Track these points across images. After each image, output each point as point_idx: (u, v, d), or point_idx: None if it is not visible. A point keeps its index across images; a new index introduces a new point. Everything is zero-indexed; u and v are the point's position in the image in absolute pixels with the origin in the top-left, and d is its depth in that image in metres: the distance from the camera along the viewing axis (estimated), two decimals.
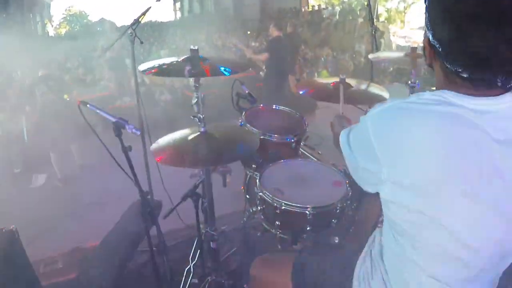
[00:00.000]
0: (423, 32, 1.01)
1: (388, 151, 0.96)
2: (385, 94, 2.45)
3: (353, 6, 18.70)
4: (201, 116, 1.98)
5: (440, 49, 0.92)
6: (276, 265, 1.62)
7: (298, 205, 1.94)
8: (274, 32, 6.07)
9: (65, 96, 4.99)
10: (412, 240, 1.02)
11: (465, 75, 0.90)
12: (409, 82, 2.51)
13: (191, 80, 1.99)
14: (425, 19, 0.95)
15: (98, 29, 17.44)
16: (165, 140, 2.01)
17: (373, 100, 2.47)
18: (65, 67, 9.39)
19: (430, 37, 0.94)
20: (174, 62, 2.02)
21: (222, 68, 2.04)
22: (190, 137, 1.99)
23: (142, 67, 2.03)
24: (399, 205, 0.99)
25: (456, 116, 0.91)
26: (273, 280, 1.57)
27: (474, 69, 0.89)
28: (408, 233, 1.02)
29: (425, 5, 0.95)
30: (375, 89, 2.56)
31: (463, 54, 0.88)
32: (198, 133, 2.01)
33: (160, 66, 2.05)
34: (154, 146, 1.95)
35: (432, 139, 0.90)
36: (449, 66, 0.92)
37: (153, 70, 2.05)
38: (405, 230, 1.02)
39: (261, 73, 6.88)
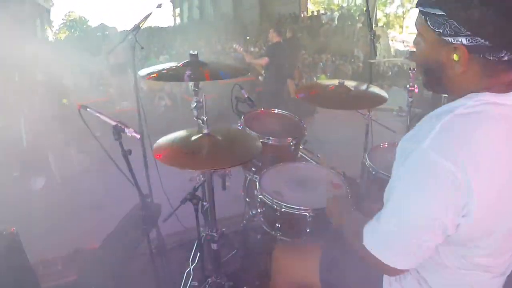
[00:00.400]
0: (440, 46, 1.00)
1: (476, 165, 0.91)
2: (384, 94, 2.47)
3: (352, 11, 18.79)
4: (205, 118, 1.98)
5: (486, 42, 0.92)
6: (301, 252, 1.66)
7: (298, 207, 1.95)
8: (274, 37, 6.08)
9: (64, 101, 4.98)
10: (472, 248, 1.05)
11: (506, 58, 0.93)
12: (408, 86, 2.53)
13: (191, 85, 2.01)
14: (449, 27, 0.95)
15: (98, 34, 17.47)
16: (166, 139, 2.01)
17: (373, 103, 2.50)
18: (65, 72, 9.40)
19: (465, 41, 0.94)
20: (174, 67, 2.04)
21: (221, 73, 2.06)
22: (192, 139, 1.99)
23: (142, 72, 2.04)
24: (479, 223, 0.97)
25: (506, 116, 0.96)
26: (295, 264, 1.63)
27: None
28: (470, 242, 1.03)
29: (443, 14, 0.95)
30: (374, 90, 2.58)
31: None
32: (200, 135, 2.01)
33: (160, 71, 2.07)
34: (155, 145, 1.96)
35: (502, 141, 0.95)
36: (492, 57, 0.94)
37: (154, 75, 2.06)
38: (468, 240, 1.03)
39: (260, 78, 6.89)
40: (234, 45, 7.39)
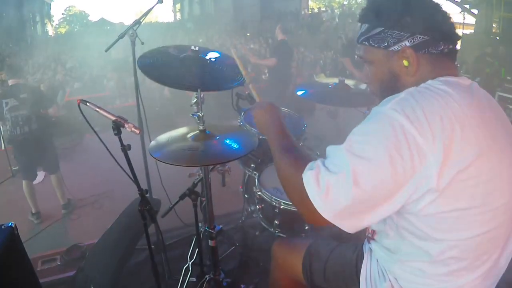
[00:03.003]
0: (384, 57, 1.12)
1: (440, 129, 0.92)
2: None
3: (352, 9, 18.76)
4: (200, 114, 1.98)
5: (426, 37, 1.05)
6: (292, 248, 1.69)
7: None
8: (279, 35, 5.87)
9: (42, 111, 3.82)
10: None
11: (446, 50, 1.07)
12: None
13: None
14: (391, 37, 1.08)
15: (99, 29, 17.46)
16: (163, 137, 2.01)
17: (373, 100, 2.49)
18: (65, 67, 9.41)
19: (408, 43, 1.06)
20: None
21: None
22: (188, 135, 1.99)
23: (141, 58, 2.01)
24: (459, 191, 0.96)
25: (460, 86, 1.05)
26: (287, 259, 1.66)
27: (452, 39, 1.08)
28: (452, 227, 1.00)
29: (382, 29, 1.09)
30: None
31: (446, 32, 1.07)
32: (197, 131, 2.01)
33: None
34: (152, 143, 1.95)
35: (463, 113, 0.97)
36: (435, 50, 1.06)
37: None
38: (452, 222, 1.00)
39: (263, 77, 6.63)
40: (237, 46, 7.13)
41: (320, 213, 0.97)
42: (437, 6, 1.09)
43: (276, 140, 1.27)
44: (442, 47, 1.06)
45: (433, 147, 0.91)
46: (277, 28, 5.91)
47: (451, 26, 1.09)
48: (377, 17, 1.10)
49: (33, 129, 3.67)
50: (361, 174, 0.93)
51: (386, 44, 1.09)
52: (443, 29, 1.07)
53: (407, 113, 0.94)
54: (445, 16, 1.08)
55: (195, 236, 2.34)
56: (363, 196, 0.94)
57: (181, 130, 2.08)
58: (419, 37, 1.05)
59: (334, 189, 0.95)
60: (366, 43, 1.14)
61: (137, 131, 1.67)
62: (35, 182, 4.59)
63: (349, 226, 0.99)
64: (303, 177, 1.01)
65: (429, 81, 1.05)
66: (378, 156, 0.93)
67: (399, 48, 1.08)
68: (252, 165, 2.51)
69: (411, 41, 1.06)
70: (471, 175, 0.95)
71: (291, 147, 1.21)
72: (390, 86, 1.13)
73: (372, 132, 0.97)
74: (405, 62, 1.08)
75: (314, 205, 0.98)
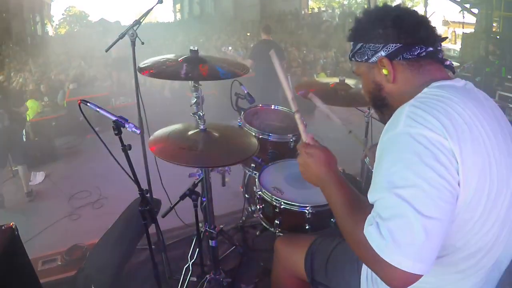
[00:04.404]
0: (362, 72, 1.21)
1: (450, 129, 0.93)
2: None
3: (353, 9, 18.76)
4: (201, 114, 1.98)
5: (398, 44, 1.09)
6: (294, 244, 1.73)
7: (298, 204, 1.95)
8: (262, 36, 5.90)
9: (15, 109, 4.43)
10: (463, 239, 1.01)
11: (424, 53, 1.10)
12: None
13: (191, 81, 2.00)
14: (369, 50, 1.14)
15: (100, 29, 17.46)
16: (162, 132, 2.01)
17: None
18: (65, 67, 9.41)
19: (383, 52, 1.11)
20: (172, 60, 2.02)
21: (220, 69, 2.04)
22: (188, 134, 1.99)
23: (142, 64, 2.03)
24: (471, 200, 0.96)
25: (458, 88, 1.07)
26: (289, 256, 1.70)
27: (428, 42, 1.10)
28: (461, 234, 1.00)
29: (362, 44, 1.16)
30: None
31: (419, 36, 1.10)
32: (197, 130, 2.01)
33: (159, 66, 2.05)
34: (151, 137, 1.95)
35: (467, 114, 0.99)
36: (410, 55, 1.09)
37: (151, 71, 2.03)
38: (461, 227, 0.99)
39: None
40: (223, 48, 6.96)
41: (398, 266, 0.86)
42: (409, 13, 1.14)
43: (339, 199, 1.18)
44: (418, 51, 1.10)
45: (454, 147, 0.92)
46: (261, 30, 5.96)
47: (427, 29, 1.12)
48: (356, 34, 1.19)
49: (6, 125, 4.18)
50: (418, 204, 0.87)
51: (366, 57, 1.16)
52: (415, 34, 1.10)
53: (422, 123, 0.94)
54: (419, 21, 1.12)
55: (196, 236, 2.33)
56: (436, 225, 0.87)
57: (180, 127, 2.08)
58: (392, 46, 1.11)
59: (400, 232, 0.86)
60: (353, 59, 1.21)
61: (138, 131, 1.67)
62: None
63: (431, 265, 0.88)
64: (365, 234, 0.93)
65: (425, 90, 1.06)
66: (423, 175, 0.89)
67: (376, 59, 1.14)
68: (252, 165, 2.51)
69: (385, 51, 1.12)
70: (478, 174, 0.95)
71: (352, 204, 1.14)
72: (377, 95, 1.20)
73: (403, 158, 0.93)
74: (385, 71, 1.14)
75: (388, 260, 0.87)
